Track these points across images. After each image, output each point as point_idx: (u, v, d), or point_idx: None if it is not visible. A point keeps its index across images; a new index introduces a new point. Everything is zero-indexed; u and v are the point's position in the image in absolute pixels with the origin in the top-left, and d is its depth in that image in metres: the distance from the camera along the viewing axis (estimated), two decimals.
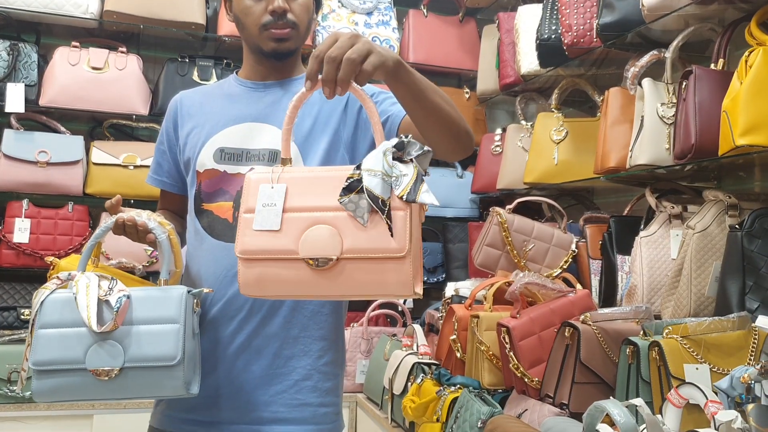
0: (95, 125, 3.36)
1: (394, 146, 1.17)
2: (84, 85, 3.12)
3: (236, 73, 1.75)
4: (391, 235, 1.15)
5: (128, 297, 1.37)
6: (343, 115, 1.64)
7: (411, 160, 1.17)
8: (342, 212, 1.17)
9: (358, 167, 1.19)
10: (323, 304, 1.61)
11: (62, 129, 3.22)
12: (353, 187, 1.17)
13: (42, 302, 1.38)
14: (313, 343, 1.60)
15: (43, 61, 3.18)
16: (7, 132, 3.07)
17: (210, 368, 1.55)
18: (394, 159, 1.17)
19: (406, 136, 1.19)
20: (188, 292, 1.44)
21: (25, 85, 3.07)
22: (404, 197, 1.15)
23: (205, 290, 1.50)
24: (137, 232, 1.48)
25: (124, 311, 1.36)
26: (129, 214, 1.47)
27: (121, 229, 1.48)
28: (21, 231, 3.07)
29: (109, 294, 1.36)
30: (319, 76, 1.21)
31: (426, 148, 1.19)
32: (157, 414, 1.64)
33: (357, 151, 1.63)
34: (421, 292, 1.20)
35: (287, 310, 1.57)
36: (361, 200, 1.16)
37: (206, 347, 1.55)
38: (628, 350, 1.68)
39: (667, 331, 1.61)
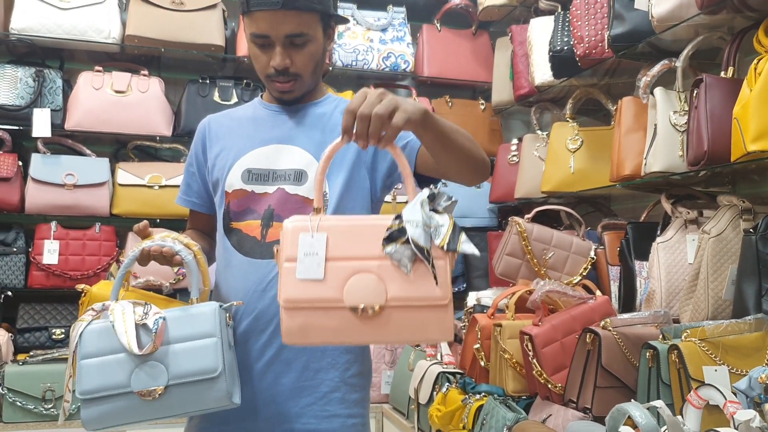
0: (119, 147, 3.44)
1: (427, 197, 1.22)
2: (108, 108, 3.20)
3: (261, 96, 1.81)
4: (436, 284, 1.19)
5: (164, 319, 1.41)
6: None
7: (443, 210, 1.21)
8: (385, 261, 1.20)
9: (398, 217, 1.22)
10: None
11: (88, 152, 3.29)
12: (395, 237, 1.20)
13: (81, 334, 1.41)
14: (340, 356, 1.64)
15: (68, 85, 3.27)
16: (34, 156, 3.15)
17: (242, 381, 1.60)
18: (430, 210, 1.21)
19: (435, 186, 1.23)
20: (220, 306, 1.49)
21: (51, 109, 3.15)
22: (445, 247, 1.19)
23: (235, 304, 1.54)
24: (164, 258, 1.53)
25: (162, 332, 1.40)
26: (155, 243, 1.52)
27: (146, 259, 1.53)
28: (50, 252, 3.14)
29: (145, 318, 1.40)
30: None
31: (453, 198, 1.23)
32: (192, 428, 1.70)
33: (377, 172, 1.69)
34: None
35: None
36: (405, 250, 1.19)
37: (238, 360, 1.60)
38: (648, 354, 1.72)
39: (685, 334, 1.65)
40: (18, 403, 2.79)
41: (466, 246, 1.19)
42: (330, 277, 1.20)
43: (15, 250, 3.12)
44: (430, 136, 1.39)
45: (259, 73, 1.67)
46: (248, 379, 1.62)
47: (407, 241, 1.19)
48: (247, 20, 1.63)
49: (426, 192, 1.22)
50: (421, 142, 1.42)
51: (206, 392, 1.41)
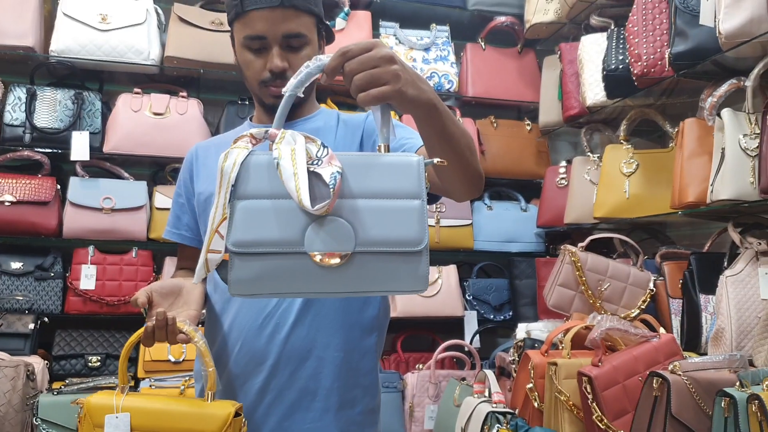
0: (157, 170, 3.39)
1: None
2: (147, 130, 3.14)
3: (250, 119, 1.72)
4: None
5: (341, 174, 1.06)
6: (360, 149, 1.60)
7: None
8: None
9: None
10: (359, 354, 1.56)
11: (126, 175, 3.25)
12: None
13: (240, 165, 1.08)
14: (347, 393, 1.54)
15: (107, 108, 3.23)
16: (72, 180, 3.11)
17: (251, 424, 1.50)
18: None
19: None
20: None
21: (90, 132, 3.11)
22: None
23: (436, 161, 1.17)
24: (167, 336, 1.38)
25: (338, 190, 1.05)
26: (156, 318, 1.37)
27: (150, 338, 1.38)
28: (87, 278, 3.09)
29: (318, 163, 1.06)
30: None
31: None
32: None
33: None
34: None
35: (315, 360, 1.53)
36: None
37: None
38: (723, 402, 1.57)
39: None
40: None
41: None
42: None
43: (52, 275, 3.08)
44: (431, 129, 1.22)
45: (250, 81, 1.57)
46: (251, 417, 1.51)
47: None
48: (239, 24, 1.54)
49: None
50: (421, 132, 1.24)
51: (402, 269, 1.07)
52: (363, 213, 1.06)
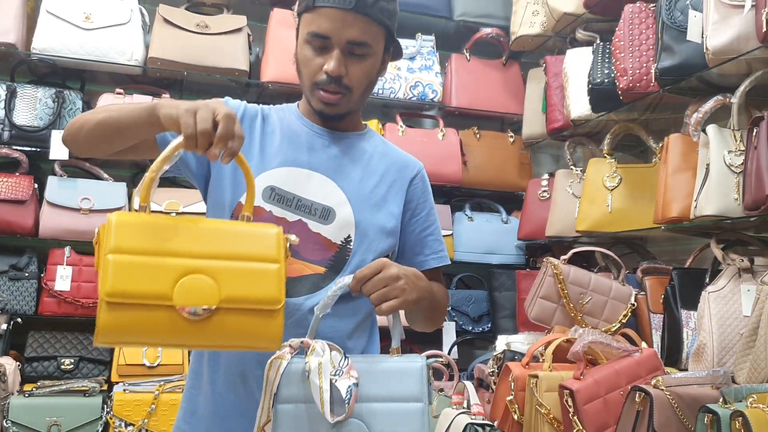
0: (138, 172, 3.34)
1: None
2: None
3: (298, 105, 1.61)
4: None
5: (357, 385, 1.26)
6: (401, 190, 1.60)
7: None
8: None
9: None
10: None
11: (105, 176, 3.20)
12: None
13: (282, 374, 1.27)
14: None
15: (88, 107, 3.18)
16: (51, 179, 3.07)
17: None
18: None
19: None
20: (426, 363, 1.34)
21: None
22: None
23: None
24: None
25: (354, 401, 1.25)
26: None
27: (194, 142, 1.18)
28: (62, 279, 3.04)
29: (338, 376, 1.26)
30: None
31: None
32: None
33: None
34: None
35: None
36: None
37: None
38: (706, 419, 1.57)
39: (751, 399, 1.49)
40: None
41: None
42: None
43: (27, 275, 3.02)
44: (419, 310, 1.48)
45: (304, 79, 1.48)
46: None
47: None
48: (307, 18, 1.45)
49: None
50: (409, 315, 1.52)
51: None
52: (375, 416, 1.25)
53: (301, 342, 1.31)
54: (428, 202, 1.62)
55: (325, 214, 1.47)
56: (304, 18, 1.47)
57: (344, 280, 1.33)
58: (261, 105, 1.59)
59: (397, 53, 1.59)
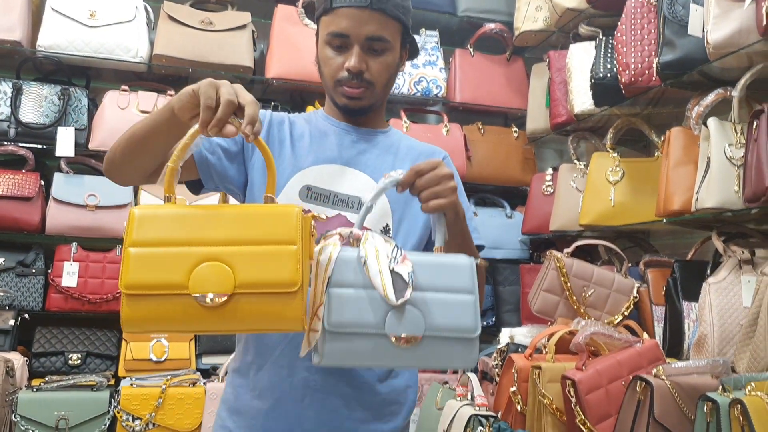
0: None
1: None
2: None
3: (323, 109, 1.68)
4: None
5: (414, 272, 1.28)
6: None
7: None
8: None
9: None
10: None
11: None
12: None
13: (335, 260, 1.28)
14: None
15: (93, 105, 3.21)
16: (57, 176, 3.09)
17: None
18: None
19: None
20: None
21: (75, 129, 3.09)
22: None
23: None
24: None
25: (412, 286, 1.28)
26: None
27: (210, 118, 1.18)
28: (69, 275, 3.06)
29: (395, 262, 1.27)
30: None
31: None
32: None
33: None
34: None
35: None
36: None
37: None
38: (706, 407, 1.58)
39: (750, 387, 1.51)
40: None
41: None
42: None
43: (34, 271, 3.05)
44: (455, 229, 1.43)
45: (326, 78, 1.55)
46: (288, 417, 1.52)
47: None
48: (325, 21, 1.53)
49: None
50: (449, 229, 1.43)
51: (458, 351, 1.28)
52: (430, 304, 1.26)
53: (351, 232, 1.33)
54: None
55: (362, 205, 1.51)
56: (322, 21, 1.54)
57: (396, 173, 1.35)
58: (288, 113, 1.66)
59: (413, 51, 1.66)
